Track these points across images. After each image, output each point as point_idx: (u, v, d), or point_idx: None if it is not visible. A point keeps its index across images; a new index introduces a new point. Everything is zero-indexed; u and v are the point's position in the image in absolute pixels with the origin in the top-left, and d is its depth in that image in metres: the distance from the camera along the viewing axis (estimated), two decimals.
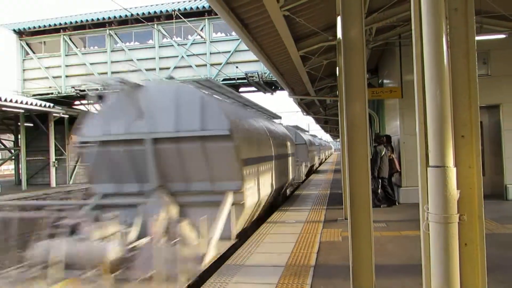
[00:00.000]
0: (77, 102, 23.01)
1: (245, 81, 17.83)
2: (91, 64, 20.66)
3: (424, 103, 2.07)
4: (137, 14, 18.20)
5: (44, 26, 21.15)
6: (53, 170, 19.84)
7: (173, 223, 5.85)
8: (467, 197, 2.11)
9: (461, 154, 2.12)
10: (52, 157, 19.81)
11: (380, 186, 9.58)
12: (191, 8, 18.57)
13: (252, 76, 17.17)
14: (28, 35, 21.62)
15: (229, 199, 6.50)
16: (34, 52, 21.71)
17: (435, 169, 1.99)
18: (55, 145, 20.15)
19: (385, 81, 12.99)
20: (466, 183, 2.12)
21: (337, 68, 9.37)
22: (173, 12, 17.14)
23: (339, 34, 8.49)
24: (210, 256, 5.64)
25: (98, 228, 4.56)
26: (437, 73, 1.93)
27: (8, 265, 4.66)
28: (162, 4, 20.29)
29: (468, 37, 2.11)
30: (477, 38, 2.20)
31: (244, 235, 7.20)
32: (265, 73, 17.42)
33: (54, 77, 21.25)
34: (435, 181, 1.98)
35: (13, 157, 22.46)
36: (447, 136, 1.96)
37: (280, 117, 15.43)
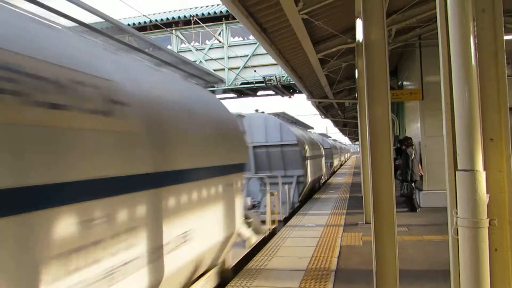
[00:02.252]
0: None
1: (263, 84, 17.84)
2: None
3: (451, 106, 2.03)
4: (156, 20, 18.44)
5: None
6: None
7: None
8: (497, 201, 2.06)
9: (490, 157, 2.06)
10: None
11: (413, 189, 9.40)
12: (209, 14, 18.69)
13: (270, 80, 17.15)
14: None
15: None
16: None
17: (464, 173, 1.95)
18: None
19: (404, 83, 12.82)
20: (496, 187, 2.07)
21: (356, 70, 9.31)
22: (191, 18, 17.32)
23: (358, 36, 8.47)
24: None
25: None
26: (465, 75, 1.90)
27: None
28: (180, 10, 20.47)
29: (496, 38, 2.06)
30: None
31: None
32: (283, 76, 17.39)
33: None
34: (465, 185, 1.93)
35: None
36: (476, 139, 1.91)
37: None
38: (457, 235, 2.02)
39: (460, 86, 1.93)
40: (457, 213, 2.00)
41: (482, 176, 1.93)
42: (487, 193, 1.95)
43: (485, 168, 1.97)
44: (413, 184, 9.36)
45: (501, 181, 2.09)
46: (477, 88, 1.95)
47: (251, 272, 5.25)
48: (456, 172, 2.01)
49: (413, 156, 9.32)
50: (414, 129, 11.15)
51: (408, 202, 9.53)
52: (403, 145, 9.61)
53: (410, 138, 9.77)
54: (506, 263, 2.08)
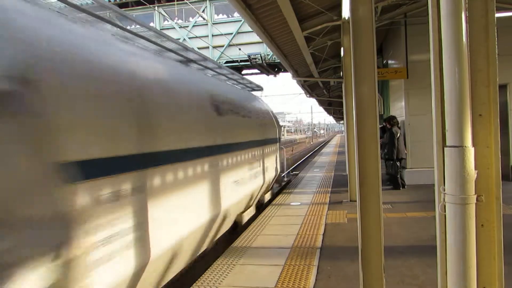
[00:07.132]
0: None
1: (248, 63, 17.65)
2: None
3: (441, 81, 2.00)
4: None
5: None
6: None
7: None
8: (484, 177, 2.05)
9: (478, 133, 2.05)
10: None
11: (398, 168, 9.52)
12: None
13: (255, 58, 16.98)
14: None
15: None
16: None
17: (453, 149, 1.93)
18: None
19: (389, 61, 12.82)
20: (484, 163, 2.06)
21: (342, 48, 9.23)
22: None
23: (344, 13, 8.37)
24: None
25: None
26: (456, 50, 1.85)
27: None
28: None
29: (488, 11, 2.01)
30: None
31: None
32: (268, 55, 17.22)
33: None
34: (453, 162, 1.92)
35: None
36: (465, 115, 1.88)
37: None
38: (445, 212, 2.02)
39: (451, 61, 1.89)
40: (444, 190, 2.00)
41: (470, 152, 1.92)
42: (475, 169, 1.94)
43: (473, 144, 1.96)
44: (398, 163, 9.47)
45: (488, 157, 2.08)
46: (467, 62, 1.91)
47: (237, 251, 5.27)
48: (445, 148, 2.00)
49: (398, 134, 9.41)
50: (398, 108, 11.21)
51: (392, 180, 9.66)
52: (388, 124, 9.67)
53: (395, 117, 9.84)
54: (492, 238, 2.10)
